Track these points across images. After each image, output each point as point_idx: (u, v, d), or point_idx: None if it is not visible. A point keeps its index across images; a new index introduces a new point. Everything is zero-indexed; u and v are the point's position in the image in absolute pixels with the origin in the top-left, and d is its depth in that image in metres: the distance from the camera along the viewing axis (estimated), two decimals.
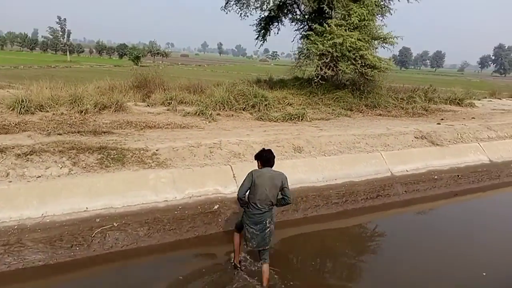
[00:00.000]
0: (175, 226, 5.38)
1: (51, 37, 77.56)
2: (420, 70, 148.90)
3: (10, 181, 5.07)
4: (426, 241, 6.03)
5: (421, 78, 66.51)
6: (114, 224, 5.07)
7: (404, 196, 7.48)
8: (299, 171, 6.90)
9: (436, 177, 8.19)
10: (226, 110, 10.62)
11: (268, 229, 4.37)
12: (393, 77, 17.54)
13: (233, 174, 6.30)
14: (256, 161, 4.63)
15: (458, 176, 8.43)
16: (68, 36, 71.79)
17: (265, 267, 4.40)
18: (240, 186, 4.38)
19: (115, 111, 9.16)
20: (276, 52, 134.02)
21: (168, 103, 10.49)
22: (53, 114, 8.33)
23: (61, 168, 5.47)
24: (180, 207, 5.62)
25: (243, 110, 10.91)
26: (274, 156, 4.60)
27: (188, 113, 9.81)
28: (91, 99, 9.29)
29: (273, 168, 4.56)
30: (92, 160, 5.73)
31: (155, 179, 5.75)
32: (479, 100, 17.42)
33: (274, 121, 10.19)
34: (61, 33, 70.75)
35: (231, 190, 6.11)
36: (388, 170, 7.84)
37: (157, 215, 5.40)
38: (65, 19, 68.76)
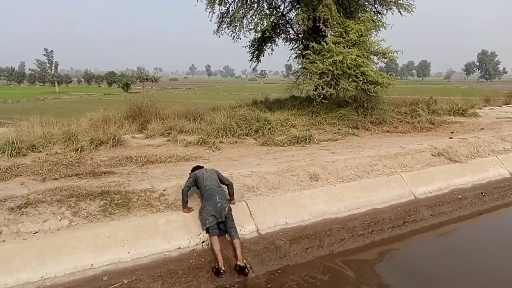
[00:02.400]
0: (192, 278, 4.77)
1: (38, 69, 77.27)
2: (407, 80, 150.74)
3: (4, 240, 4.46)
4: (464, 268, 5.50)
5: (411, 88, 67.04)
6: (124, 281, 4.45)
7: (431, 220, 6.95)
8: (320, 202, 6.36)
9: (460, 196, 7.70)
10: (228, 137, 10.11)
11: (219, 204, 5.13)
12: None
13: (250, 211, 5.73)
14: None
15: (482, 193, 7.95)
16: (56, 67, 71.31)
17: (236, 242, 4.99)
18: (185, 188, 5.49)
19: (112, 146, 8.59)
20: (265, 70, 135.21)
21: (168, 133, 9.96)
22: (47, 154, 7.73)
23: (60, 220, 4.87)
24: (195, 254, 5.03)
25: (246, 135, 10.41)
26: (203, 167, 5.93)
27: (190, 143, 9.28)
28: (86, 135, 8.74)
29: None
30: (94, 208, 5.14)
31: (165, 224, 5.16)
32: (480, 109, 17.17)
33: (281, 145, 9.70)
34: (48, 65, 70.29)
35: (249, 229, 5.55)
36: (410, 193, 7.34)
37: (170, 266, 4.80)
38: (52, 51, 68.37)
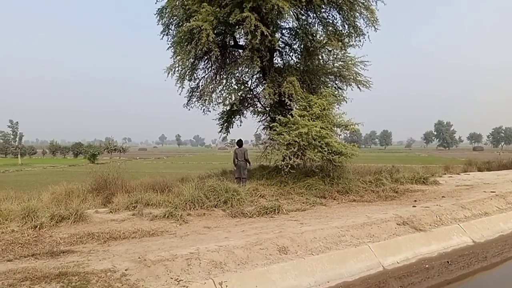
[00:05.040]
0: None
1: (1, 141, 75.04)
2: (371, 149, 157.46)
3: None
4: None
5: (375, 156, 69.85)
6: None
7: None
8: (289, 277, 6.20)
9: (427, 266, 7.74)
10: (197, 209, 9.95)
11: (244, 169, 13.45)
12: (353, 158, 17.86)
13: None
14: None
15: (448, 262, 8.04)
16: (20, 139, 69.55)
17: (245, 181, 13.16)
18: (233, 158, 13.68)
19: (74, 222, 8.23)
20: (234, 140, 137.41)
21: (133, 206, 9.70)
22: (2, 232, 7.29)
23: None
24: None
25: (215, 207, 10.30)
26: (242, 142, 14.27)
27: (156, 216, 9.03)
28: (46, 211, 8.37)
29: None
30: None
31: None
32: (440, 177, 17.97)
33: (249, 217, 9.62)
34: (12, 137, 68.60)
35: None
36: (379, 264, 7.31)
37: None
38: (17, 122, 67.23)
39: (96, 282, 5.09)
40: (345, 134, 15.64)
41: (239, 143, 14.20)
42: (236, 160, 13.41)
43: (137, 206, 9.60)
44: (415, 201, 11.55)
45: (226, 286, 5.60)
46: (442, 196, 12.37)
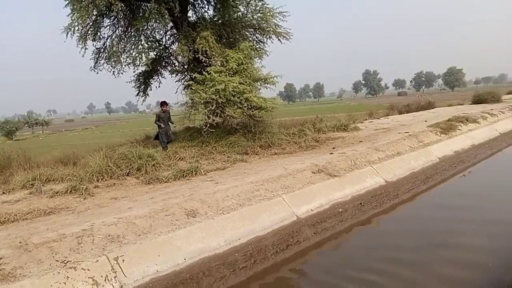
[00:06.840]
0: None
1: None
2: (305, 102, 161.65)
3: None
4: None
5: (308, 108, 71.57)
6: None
7: (315, 239, 6.90)
8: (196, 240, 5.88)
9: (340, 210, 7.88)
10: (106, 180, 9.20)
11: (167, 132, 13.01)
12: (283, 112, 17.71)
13: (111, 266, 5.00)
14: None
15: (361, 204, 8.25)
16: None
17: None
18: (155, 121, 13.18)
19: None
20: (170, 103, 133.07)
21: (31, 184, 8.70)
22: None
23: None
24: None
25: (127, 175, 9.60)
26: (167, 103, 13.55)
27: (57, 192, 8.16)
28: None
29: None
30: None
31: None
32: (361, 122, 18.58)
33: (165, 182, 9.10)
34: None
35: None
36: (293, 214, 7.26)
37: None
38: None
39: None
40: (271, 90, 15.22)
41: (163, 104, 13.66)
42: (161, 121, 13.19)
43: (35, 183, 8.62)
44: (333, 148, 11.71)
45: (123, 260, 5.13)
46: (360, 141, 12.69)
